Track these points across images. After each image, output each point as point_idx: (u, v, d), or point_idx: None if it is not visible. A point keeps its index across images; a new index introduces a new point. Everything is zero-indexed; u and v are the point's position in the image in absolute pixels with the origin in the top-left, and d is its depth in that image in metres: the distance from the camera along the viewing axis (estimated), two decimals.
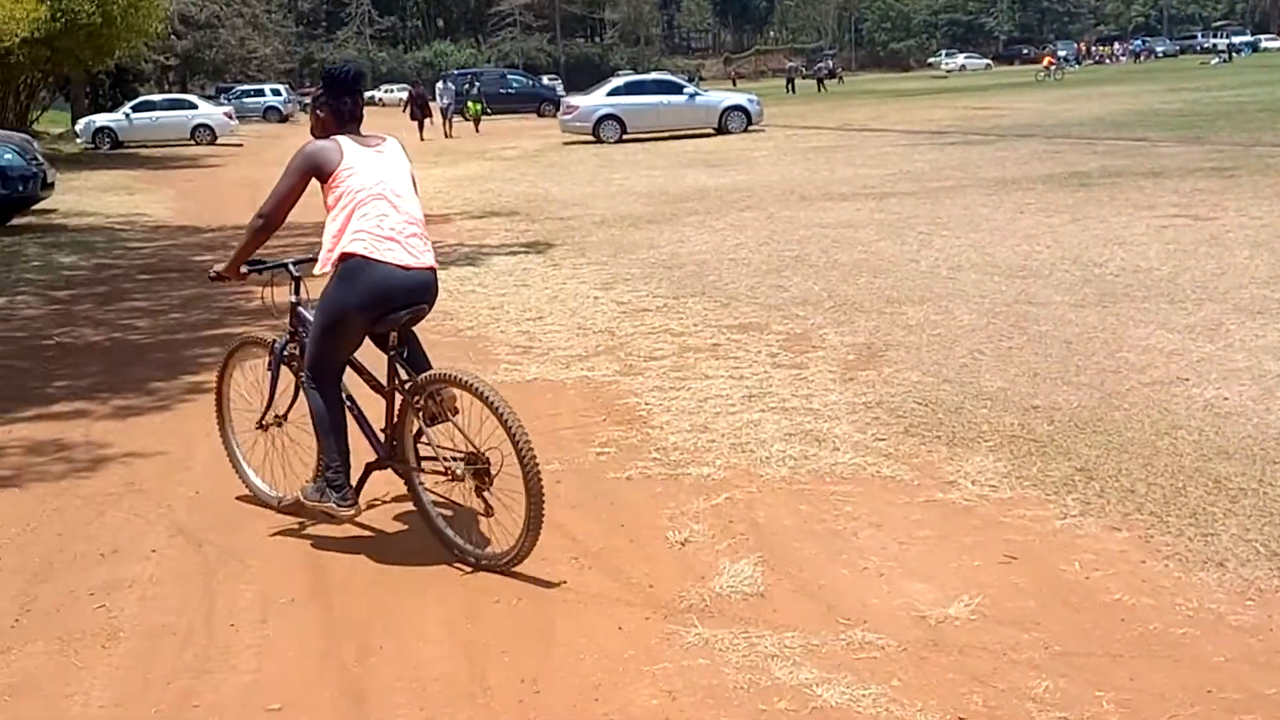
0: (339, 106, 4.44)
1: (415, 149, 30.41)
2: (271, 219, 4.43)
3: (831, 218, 13.09)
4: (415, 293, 4.31)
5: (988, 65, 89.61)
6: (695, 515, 4.60)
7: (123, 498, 5.12)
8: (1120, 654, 3.39)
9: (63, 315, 9.64)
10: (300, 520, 4.77)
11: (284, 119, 54.41)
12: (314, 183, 4.38)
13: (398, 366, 4.42)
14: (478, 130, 36.18)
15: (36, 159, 15.99)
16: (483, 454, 4.17)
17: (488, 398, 4.11)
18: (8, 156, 14.68)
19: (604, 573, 4.12)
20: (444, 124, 36.48)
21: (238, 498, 5.07)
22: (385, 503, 4.92)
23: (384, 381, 4.49)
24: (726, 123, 29.67)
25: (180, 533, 4.69)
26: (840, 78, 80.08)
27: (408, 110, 37.71)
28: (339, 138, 4.39)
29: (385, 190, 4.31)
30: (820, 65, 74.38)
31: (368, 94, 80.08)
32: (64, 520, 4.85)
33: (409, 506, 4.73)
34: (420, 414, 4.34)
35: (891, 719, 3.11)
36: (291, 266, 4.90)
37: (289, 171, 4.36)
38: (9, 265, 12.47)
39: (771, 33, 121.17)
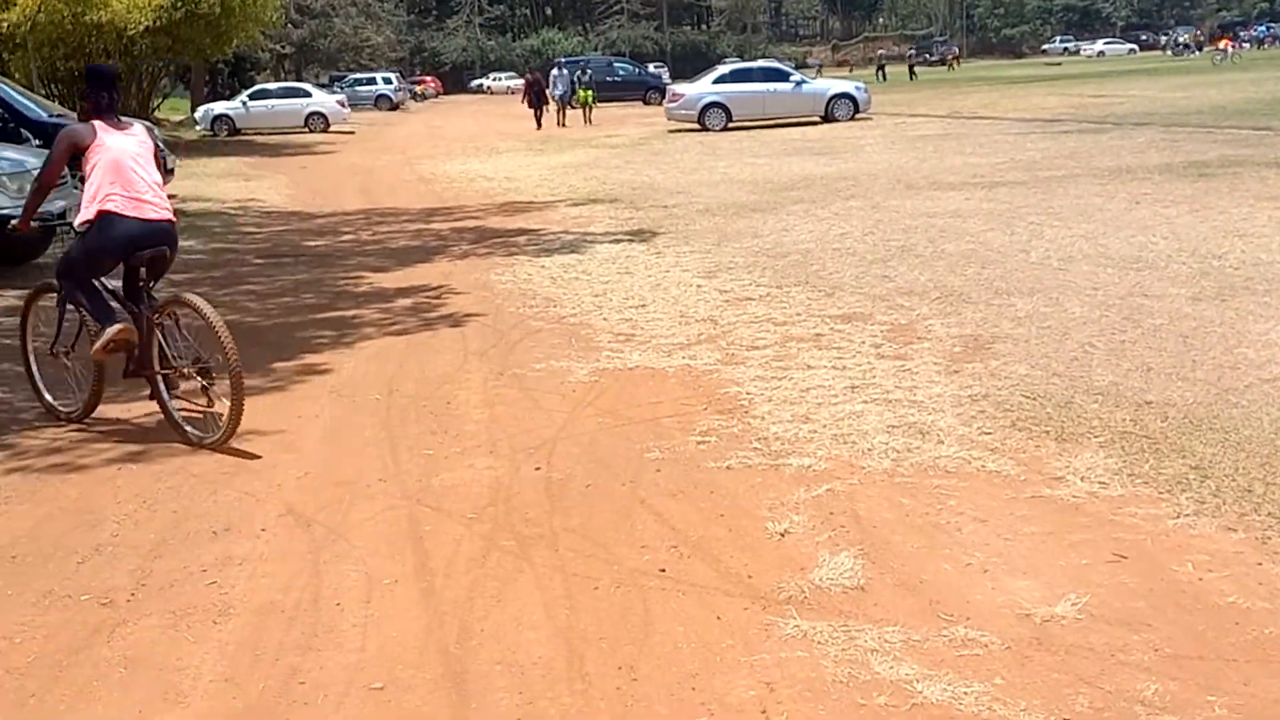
0: (98, 98, 5.73)
1: (529, 137, 30.59)
2: (44, 183, 5.74)
3: (939, 207, 12.89)
4: (156, 238, 5.69)
5: (1131, 50, 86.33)
6: (796, 506, 4.57)
7: (235, 476, 5.25)
8: (1234, 658, 3.30)
9: None
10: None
11: (394, 107, 55.24)
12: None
13: (146, 294, 5.78)
14: (588, 120, 35.63)
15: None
16: (205, 359, 5.63)
17: (206, 314, 5.49)
18: None
19: (703, 562, 4.12)
20: (558, 112, 35.88)
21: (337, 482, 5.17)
22: (487, 505, 4.97)
23: (137, 306, 5.78)
24: (833, 110, 29.36)
25: (290, 512, 4.80)
26: (951, 64, 78.83)
27: (525, 98, 37.18)
28: (95, 122, 5.67)
29: (129, 162, 5.62)
30: (912, 52, 73.02)
31: (475, 81, 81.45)
32: (179, 497, 4.99)
33: (509, 500, 4.80)
34: (161, 329, 5.73)
35: (994, 718, 3.06)
36: (76, 225, 5.81)
37: (54, 147, 5.68)
38: None
39: (880, 19, 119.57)
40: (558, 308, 8.71)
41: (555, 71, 37.61)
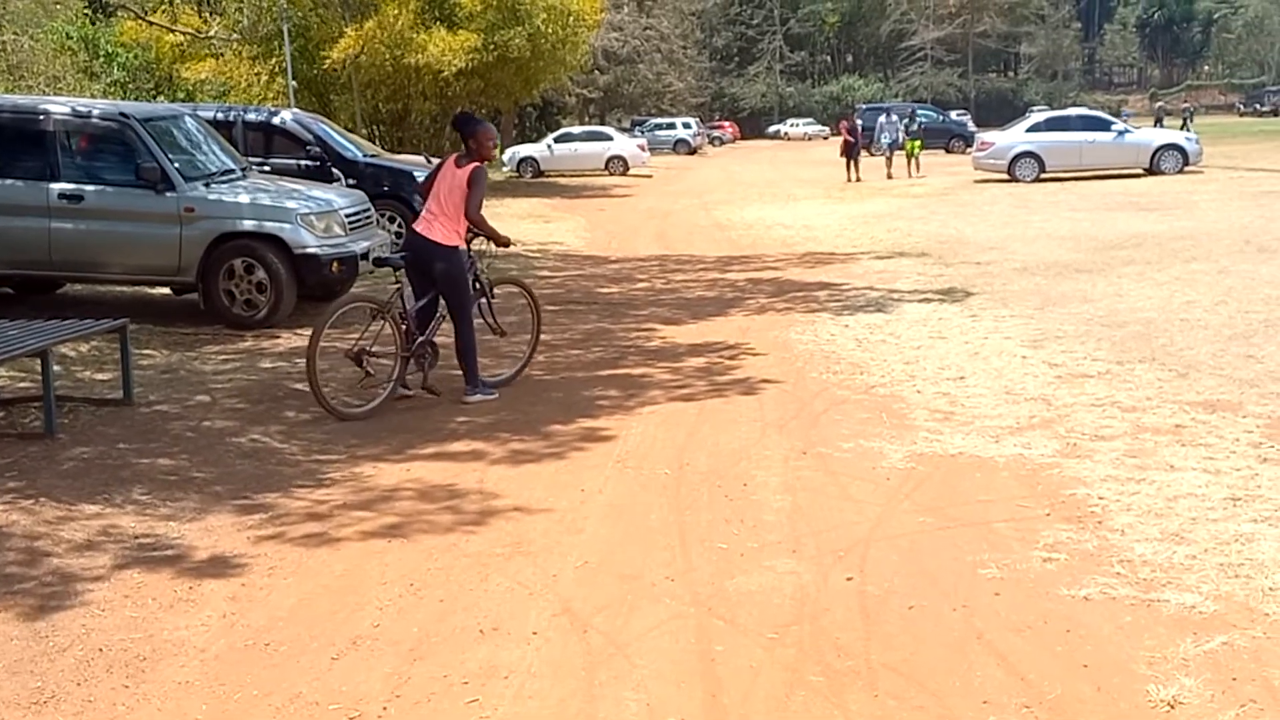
0: (461, 138, 7.52)
1: (827, 185, 29.77)
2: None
3: None
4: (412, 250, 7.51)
5: None
6: (1183, 663, 3.61)
7: (509, 560, 4.71)
8: None
9: None
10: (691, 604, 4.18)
11: (692, 151, 55.61)
12: None
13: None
14: (911, 172, 31.64)
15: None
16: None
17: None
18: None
19: None
20: (886, 163, 31.87)
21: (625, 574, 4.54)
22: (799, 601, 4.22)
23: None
24: (1159, 163, 27.23)
25: (566, 611, 4.20)
26: None
27: (841, 145, 32.67)
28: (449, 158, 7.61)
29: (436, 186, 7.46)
30: (1239, 104, 67.30)
31: (773, 128, 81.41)
32: (447, 583, 4.49)
33: (816, 619, 4.06)
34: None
35: None
36: None
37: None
38: None
39: (1206, 67, 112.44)
40: (865, 375, 7.90)
41: (883, 118, 34.01)
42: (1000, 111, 74.84)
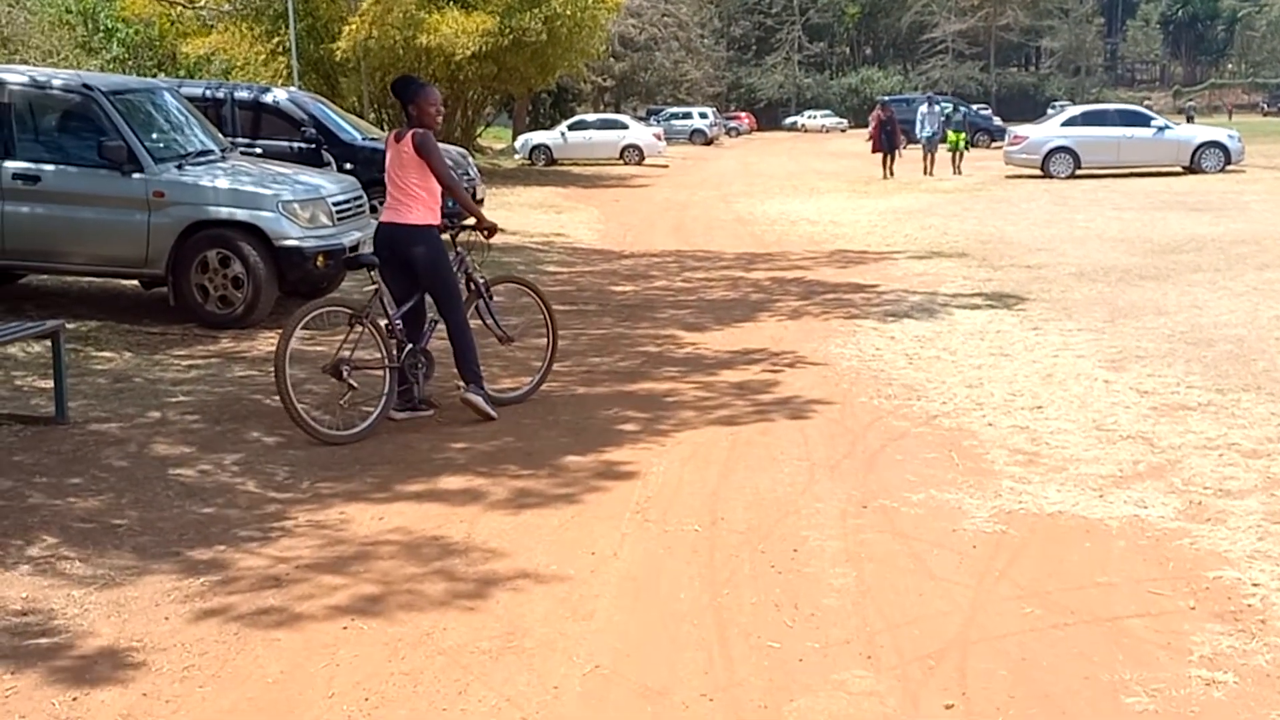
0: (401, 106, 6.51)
1: (851, 178, 28.50)
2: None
3: None
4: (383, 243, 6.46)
5: None
6: None
7: (496, 661, 3.62)
8: None
9: None
10: None
11: (709, 142, 54.38)
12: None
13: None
14: (957, 169, 28.67)
15: (467, 173, 15.60)
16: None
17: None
18: None
19: None
20: (925, 158, 28.70)
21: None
22: None
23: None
24: (1200, 160, 26.03)
25: None
26: None
27: (872, 140, 29.62)
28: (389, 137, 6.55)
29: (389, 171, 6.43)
30: (1262, 103, 65.78)
31: (789, 119, 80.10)
32: (414, 697, 3.39)
33: None
34: None
35: None
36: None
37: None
38: None
39: (1230, 65, 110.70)
40: (923, 401, 6.79)
41: (924, 109, 30.60)
42: (1021, 106, 73.62)
